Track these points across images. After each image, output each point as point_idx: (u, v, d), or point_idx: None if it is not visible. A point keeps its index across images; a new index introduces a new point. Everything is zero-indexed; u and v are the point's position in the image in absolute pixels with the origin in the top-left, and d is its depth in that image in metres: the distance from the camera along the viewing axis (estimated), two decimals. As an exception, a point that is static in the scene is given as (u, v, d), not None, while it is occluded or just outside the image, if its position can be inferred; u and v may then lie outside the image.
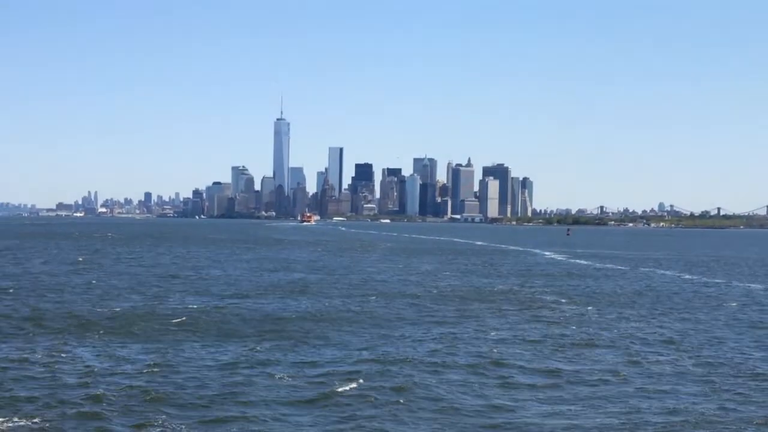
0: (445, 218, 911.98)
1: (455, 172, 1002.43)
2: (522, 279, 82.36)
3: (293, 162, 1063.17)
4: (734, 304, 61.45)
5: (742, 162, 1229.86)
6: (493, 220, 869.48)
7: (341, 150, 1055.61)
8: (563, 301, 60.90)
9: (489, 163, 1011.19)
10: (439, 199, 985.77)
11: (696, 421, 25.91)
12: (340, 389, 28.95)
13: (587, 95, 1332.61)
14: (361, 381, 30.24)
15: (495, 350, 37.43)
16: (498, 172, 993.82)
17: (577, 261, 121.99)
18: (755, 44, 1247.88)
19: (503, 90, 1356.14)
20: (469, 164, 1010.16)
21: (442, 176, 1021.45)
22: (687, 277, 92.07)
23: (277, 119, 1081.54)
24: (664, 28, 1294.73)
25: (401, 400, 27.79)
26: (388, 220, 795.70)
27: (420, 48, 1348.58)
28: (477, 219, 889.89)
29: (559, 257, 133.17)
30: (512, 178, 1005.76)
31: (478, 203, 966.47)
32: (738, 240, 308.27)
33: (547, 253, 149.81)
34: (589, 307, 56.43)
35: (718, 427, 25.39)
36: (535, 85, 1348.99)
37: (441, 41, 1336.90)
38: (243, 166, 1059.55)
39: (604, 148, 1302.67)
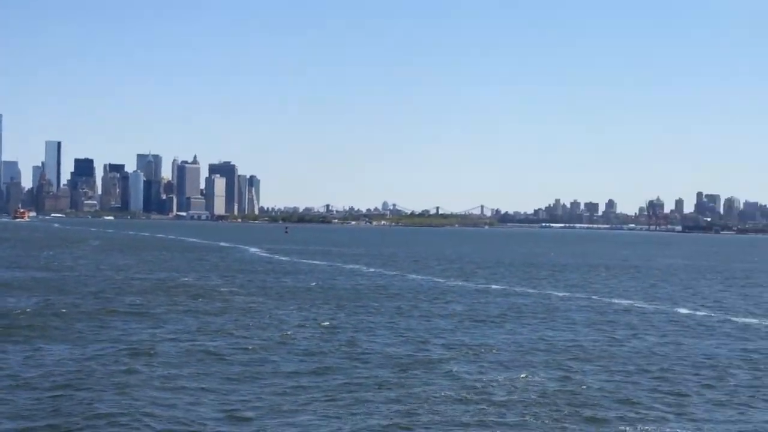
0: (171, 215, 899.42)
1: (181, 169, 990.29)
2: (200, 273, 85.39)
3: (6, 156, 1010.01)
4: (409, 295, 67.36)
5: (460, 164, 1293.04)
6: (220, 217, 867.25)
7: (59, 144, 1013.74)
8: (225, 290, 64.48)
9: (216, 161, 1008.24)
10: (164, 196, 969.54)
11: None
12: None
13: (313, 94, 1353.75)
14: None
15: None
16: (225, 169, 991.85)
17: (276, 257, 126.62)
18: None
19: (230, 87, 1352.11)
20: (195, 161, 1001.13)
21: (167, 173, 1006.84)
22: (370, 270, 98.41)
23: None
24: (372, 28, 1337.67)
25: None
26: (111, 217, 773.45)
27: (142, 39, 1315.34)
28: (203, 216, 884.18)
29: (263, 254, 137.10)
30: (239, 176, 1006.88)
31: (204, 201, 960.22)
32: (435, 236, 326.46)
33: (252, 249, 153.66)
34: (256, 298, 60.22)
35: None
36: (262, 83, 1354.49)
37: (160, 32, 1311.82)
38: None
39: (333, 147, 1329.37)
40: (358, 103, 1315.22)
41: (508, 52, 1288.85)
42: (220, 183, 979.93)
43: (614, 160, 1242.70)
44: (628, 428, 25.33)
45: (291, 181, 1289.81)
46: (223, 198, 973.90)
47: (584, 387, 30.76)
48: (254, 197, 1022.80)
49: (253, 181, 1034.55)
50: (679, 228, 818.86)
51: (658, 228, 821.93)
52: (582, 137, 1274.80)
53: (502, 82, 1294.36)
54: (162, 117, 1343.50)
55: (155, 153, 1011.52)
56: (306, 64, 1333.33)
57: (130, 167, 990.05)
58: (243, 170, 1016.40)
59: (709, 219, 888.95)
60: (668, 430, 25.21)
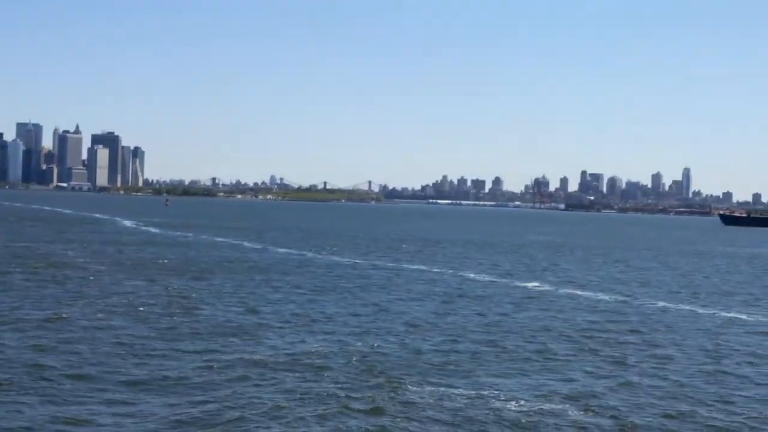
0: (51, 186, 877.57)
1: (62, 138, 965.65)
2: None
3: None
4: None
5: (349, 139, 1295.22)
6: (102, 189, 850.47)
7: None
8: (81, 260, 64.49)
9: (99, 131, 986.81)
10: (44, 167, 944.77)
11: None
12: None
13: (201, 65, 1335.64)
14: None
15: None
16: (108, 140, 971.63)
17: (150, 229, 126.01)
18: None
19: (115, 57, 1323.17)
20: (77, 131, 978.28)
21: (48, 143, 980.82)
22: (220, 239, 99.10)
23: None
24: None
25: None
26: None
27: (22, 3, 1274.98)
28: (85, 188, 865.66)
29: (135, 226, 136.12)
30: (123, 147, 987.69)
31: (86, 172, 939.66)
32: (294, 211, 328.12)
33: (127, 222, 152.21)
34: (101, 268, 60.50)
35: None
36: (147, 53, 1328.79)
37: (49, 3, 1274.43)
38: None
39: (221, 119, 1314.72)
40: (247, 74, 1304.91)
41: (391, 23, 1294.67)
42: (103, 154, 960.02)
43: (501, 138, 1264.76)
44: (416, 387, 26.83)
45: (177, 154, 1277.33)
46: (106, 169, 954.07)
47: (386, 353, 32.33)
48: (138, 169, 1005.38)
49: (137, 153, 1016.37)
50: (562, 206, 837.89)
51: (542, 206, 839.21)
52: (470, 114, 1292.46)
53: (386, 56, 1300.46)
54: (43, 85, 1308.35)
55: (36, 122, 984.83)
56: (193, 34, 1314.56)
57: (9, 136, 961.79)
58: (127, 141, 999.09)
59: (592, 198, 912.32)
60: (451, 389, 26.83)
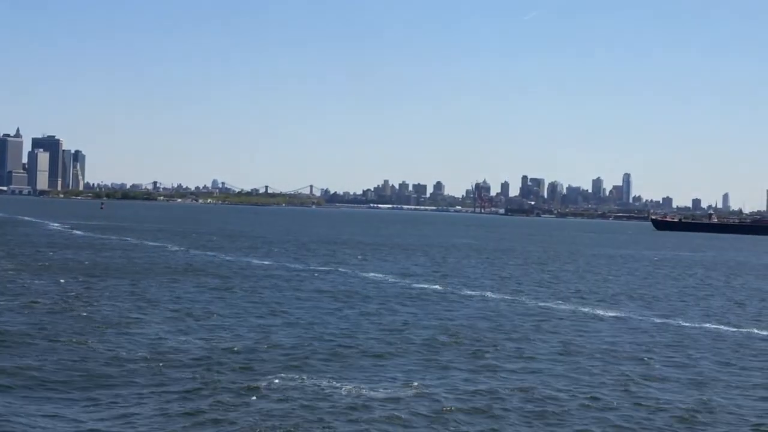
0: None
1: (2, 142, 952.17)
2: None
3: None
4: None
5: (292, 143, 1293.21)
6: (42, 192, 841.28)
7: None
8: None
9: (40, 135, 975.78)
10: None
11: None
12: None
13: (145, 68, 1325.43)
14: None
15: None
16: (49, 144, 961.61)
17: (75, 231, 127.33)
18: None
19: (56, 59, 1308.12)
20: (18, 135, 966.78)
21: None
22: (147, 243, 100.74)
23: None
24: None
25: None
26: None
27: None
28: (25, 191, 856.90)
29: (61, 229, 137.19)
30: (64, 150, 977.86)
31: (27, 175, 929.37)
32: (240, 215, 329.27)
33: (54, 224, 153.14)
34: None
35: None
36: (90, 55, 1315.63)
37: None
38: None
39: (163, 123, 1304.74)
40: (187, 78, 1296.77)
41: (330, 26, 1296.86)
42: (43, 157, 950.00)
43: (444, 143, 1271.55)
44: (276, 379, 29.11)
45: (120, 158, 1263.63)
46: (47, 173, 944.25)
47: (249, 345, 34.75)
48: (79, 173, 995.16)
49: (78, 157, 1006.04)
50: (502, 211, 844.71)
51: (483, 210, 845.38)
52: (412, 118, 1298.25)
53: (330, 60, 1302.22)
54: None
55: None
56: (134, 37, 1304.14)
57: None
58: (68, 145, 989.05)
59: (533, 203, 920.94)
60: (295, 382, 29.22)
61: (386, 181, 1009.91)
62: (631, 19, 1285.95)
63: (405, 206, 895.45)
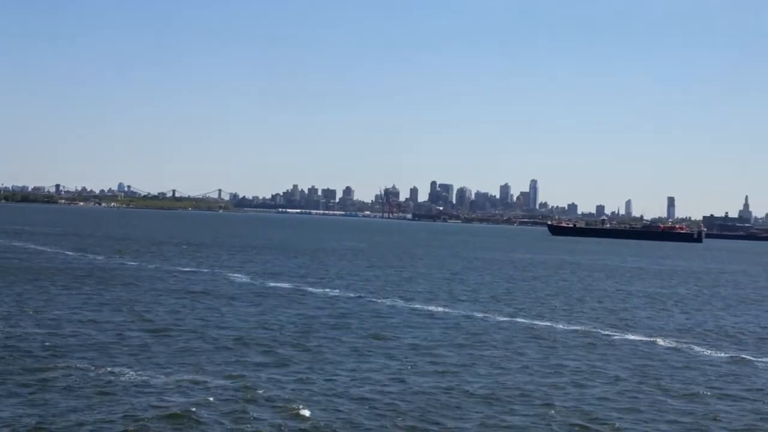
0: None
1: None
2: None
3: None
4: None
5: (199, 146, 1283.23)
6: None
7: None
8: None
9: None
10: None
11: None
12: None
13: (46, 63, 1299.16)
14: None
15: None
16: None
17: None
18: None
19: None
20: None
21: None
22: (30, 246, 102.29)
23: None
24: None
25: None
26: None
27: None
28: None
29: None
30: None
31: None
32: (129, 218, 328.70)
33: None
34: None
35: None
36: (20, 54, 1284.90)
37: None
38: None
39: (67, 123, 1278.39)
40: (94, 80, 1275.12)
41: (247, 29, 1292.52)
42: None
43: (353, 148, 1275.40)
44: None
45: (22, 160, 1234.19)
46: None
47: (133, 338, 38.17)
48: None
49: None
50: (410, 216, 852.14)
51: (391, 216, 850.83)
52: (322, 123, 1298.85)
53: (241, 64, 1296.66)
54: None
55: None
56: (33, 34, 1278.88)
57: None
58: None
59: (441, 208, 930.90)
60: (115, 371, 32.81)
61: (295, 186, 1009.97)
62: (539, 24, 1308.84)
63: (314, 211, 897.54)
